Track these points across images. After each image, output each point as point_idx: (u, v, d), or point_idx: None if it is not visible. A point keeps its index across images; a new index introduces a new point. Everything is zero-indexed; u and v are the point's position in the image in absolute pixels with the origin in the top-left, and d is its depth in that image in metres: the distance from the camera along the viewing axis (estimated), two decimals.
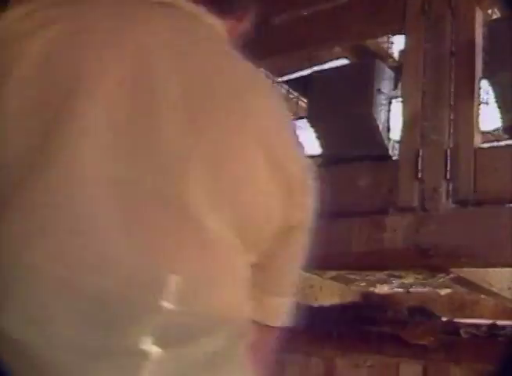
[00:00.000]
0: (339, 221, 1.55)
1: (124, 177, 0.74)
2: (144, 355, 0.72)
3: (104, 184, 0.73)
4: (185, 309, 0.75)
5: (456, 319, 1.36)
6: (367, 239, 1.49)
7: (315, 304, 1.68)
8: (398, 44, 2.06)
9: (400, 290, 1.94)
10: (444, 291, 1.88)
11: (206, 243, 0.78)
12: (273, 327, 0.95)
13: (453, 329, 1.33)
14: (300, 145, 0.94)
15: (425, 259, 1.40)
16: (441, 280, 1.80)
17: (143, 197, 0.74)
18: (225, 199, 0.79)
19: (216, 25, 0.89)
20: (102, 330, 0.71)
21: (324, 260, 1.60)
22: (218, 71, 0.84)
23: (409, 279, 1.80)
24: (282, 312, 0.96)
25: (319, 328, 1.51)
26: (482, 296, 1.78)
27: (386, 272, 1.76)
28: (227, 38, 0.91)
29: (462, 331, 1.30)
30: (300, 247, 0.95)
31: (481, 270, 1.47)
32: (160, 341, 0.72)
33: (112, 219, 0.73)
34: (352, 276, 1.85)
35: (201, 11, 0.87)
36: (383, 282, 1.87)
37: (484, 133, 1.67)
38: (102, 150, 0.73)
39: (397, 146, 1.62)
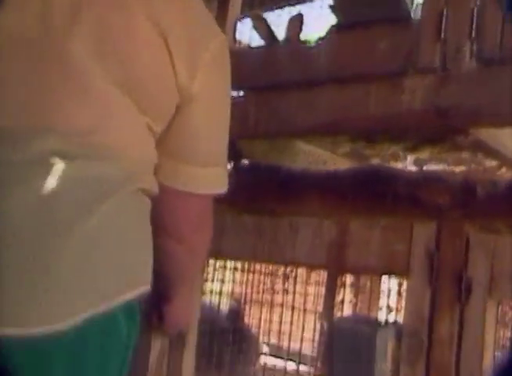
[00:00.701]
0: (356, 85, 1.51)
1: (31, 37, 0.92)
2: (49, 165, 0.86)
3: (16, 42, 0.93)
4: (78, 136, 0.89)
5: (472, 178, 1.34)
6: (384, 101, 1.45)
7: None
8: None
9: (414, 168, 1.92)
10: (458, 168, 1.85)
11: (93, 94, 0.92)
12: (196, 194, 1.02)
13: (469, 187, 1.31)
14: (209, 28, 1.03)
15: (444, 120, 1.37)
16: (456, 156, 1.78)
17: (43, 55, 0.92)
18: (112, 60, 0.92)
19: None
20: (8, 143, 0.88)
21: (341, 124, 1.57)
22: None
23: (425, 153, 1.78)
24: (204, 180, 1.03)
25: (332, 191, 1.50)
26: (498, 173, 1.76)
27: (401, 145, 1.74)
28: None
29: (478, 189, 1.28)
30: (208, 118, 1.01)
31: (500, 135, 1.44)
32: (60, 155, 0.87)
33: (18, 70, 0.92)
34: (367, 151, 1.82)
35: None
36: (397, 158, 1.85)
37: None
38: (18, 15, 0.94)
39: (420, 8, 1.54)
